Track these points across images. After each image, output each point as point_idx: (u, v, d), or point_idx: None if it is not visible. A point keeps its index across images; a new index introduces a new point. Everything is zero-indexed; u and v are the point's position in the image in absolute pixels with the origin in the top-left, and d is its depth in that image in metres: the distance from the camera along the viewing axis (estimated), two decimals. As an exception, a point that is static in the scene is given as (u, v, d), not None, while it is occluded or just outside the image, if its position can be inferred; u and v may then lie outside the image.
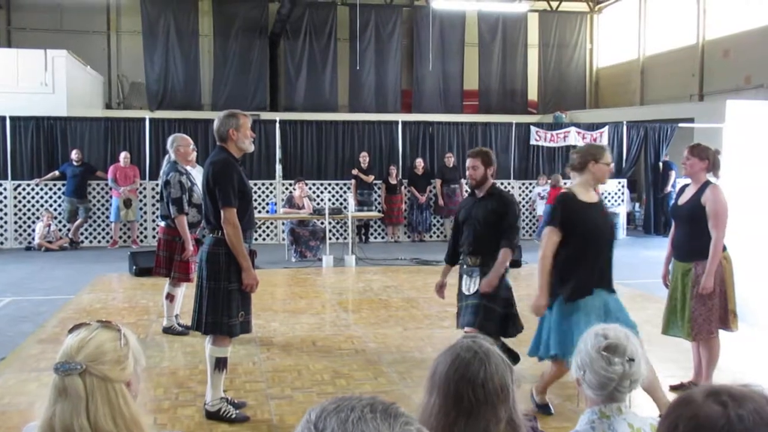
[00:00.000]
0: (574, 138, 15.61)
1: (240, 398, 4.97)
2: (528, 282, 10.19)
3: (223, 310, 4.55)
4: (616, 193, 15.82)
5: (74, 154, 13.15)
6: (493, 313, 5.06)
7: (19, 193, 13.35)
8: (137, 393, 1.84)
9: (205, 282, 4.59)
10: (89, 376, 1.71)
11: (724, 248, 5.05)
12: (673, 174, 15.30)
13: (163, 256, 6.79)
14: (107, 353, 1.75)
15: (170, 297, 6.87)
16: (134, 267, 10.03)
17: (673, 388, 5.24)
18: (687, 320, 5.09)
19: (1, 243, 13.26)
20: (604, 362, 2.19)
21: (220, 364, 4.65)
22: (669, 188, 15.34)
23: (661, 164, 15.55)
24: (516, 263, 11.19)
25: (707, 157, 5.06)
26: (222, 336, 4.63)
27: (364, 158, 14.39)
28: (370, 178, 14.39)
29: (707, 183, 5.05)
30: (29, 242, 13.16)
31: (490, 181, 5.31)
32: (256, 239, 9.33)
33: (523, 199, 15.50)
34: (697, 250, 5.01)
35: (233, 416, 4.59)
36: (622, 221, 15.48)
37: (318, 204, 12.35)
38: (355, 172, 14.29)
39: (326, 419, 1.11)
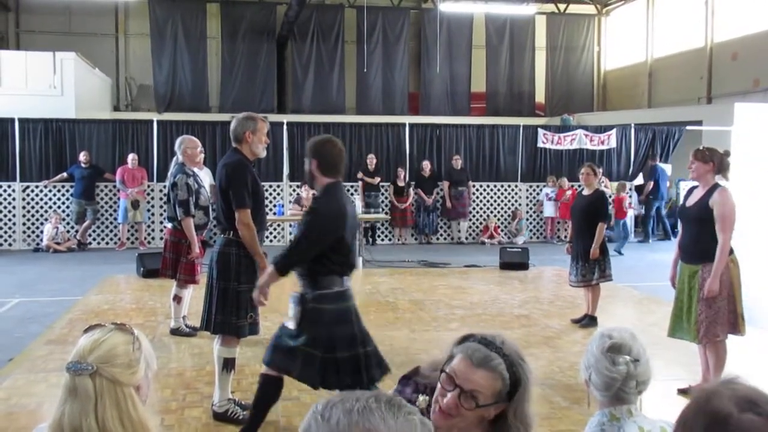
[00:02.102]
0: (582, 141, 15.59)
1: (247, 400, 4.97)
2: (535, 284, 10.18)
3: (232, 310, 4.57)
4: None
5: (82, 156, 13.19)
6: (313, 359, 3.90)
7: (28, 195, 13.40)
8: (147, 397, 1.84)
9: (214, 282, 4.61)
10: (99, 378, 1.71)
11: (732, 252, 5.02)
12: (651, 184, 15.19)
13: (169, 257, 6.80)
14: (119, 356, 1.76)
15: (177, 299, 6.88)
16: (142, 268, 10.05)
17: (681, 392, 5.22)
18: (693, 323, 5.07)
19: (10, 244, 13.31)
20: (607, 362, 2.19)
21: (228, 365, 4.66)
22: (643, 198, 15.33)
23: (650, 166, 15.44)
24: (523, 266, 11.16)
25: (711, 160, 5.04)
26: (230, 336, 4.64)
27: (371, 160, 14.39)
28: (376, 181, 14.39)
29: (716, 186, 5.03)
30: (37, 244, 13.20)
31: (322, 180, 3.98)
32: (263, 241, 9.33)
33: (531, 201, 15.48)
34: (704, 252, 4.99)
35: (240, 417, 4.60)
36: (630, 224, 15.42)
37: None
38: (360, 175, 14.30)
39: (332, 409, 1.15)
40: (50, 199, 13.46)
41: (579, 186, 9.44)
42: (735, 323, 5.01)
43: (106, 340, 1.77)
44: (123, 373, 1.74)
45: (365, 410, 1.12)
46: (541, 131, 15.71)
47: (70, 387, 1.72)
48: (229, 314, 4.56)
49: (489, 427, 1.82)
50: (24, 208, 13.37)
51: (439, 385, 1.86)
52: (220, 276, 4.58)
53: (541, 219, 15.46)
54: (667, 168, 15.61)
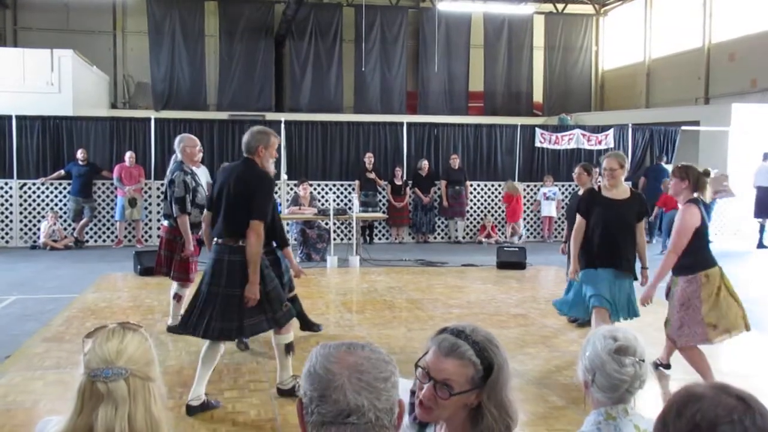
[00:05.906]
0: (579, 140, 15.60)
1: (244, 397, 4.99)
2: (532, 284, 10.19)
3: (267, 309, 4.75)
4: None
5: (80, 154, 13.17)
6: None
7: (25, 192, 13.38)
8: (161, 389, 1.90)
9: (238, 291, 4.63)
10: (133, 379, 1.75)
11: (712, 266, 5.05)
12: (641, 180, 14.91)
13: (164, 255, 6.80)
14: (144, 355, 1.81)
15: (178, 297, 6.84)
16: (139, 266, 10.04)
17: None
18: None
19: (7, 242, 13.29)
20: (616, 364, 2.18)
21: (289, 348, 4.98)
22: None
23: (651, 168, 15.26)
24: (520, 265, 11.17)
25: (687, 177, 5.08)
26: (286, 326, 4.93)
27: (369, 159, 14.39)
28: (381, 182, 14.40)
29: (690, 201, 5.07)
30: (34, 241, 13.19)
31: None
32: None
33: (528, 201, 15.49)
34: (682, 265, 5.06)
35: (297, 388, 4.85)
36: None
37: (322, 205, 12.35)
38: (372, 175, 14.23)
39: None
40: (47, 196, 13.44)
41: (575, 186, 9.44)
42: (704, 333, 5.02)
43: (129, 343, 1.80)
44: (152, 369, 1.80)
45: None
46: (538, 131, 15.72)
47: (101, 393, 1.72)
48: (265, 312, 4.73)
49: (472, 413, 1.83)
50: (21, 205, 13.34)
51: (417, 381, 1.91)
52: (244, 283, 4.64)
53: (538, 218, 15.47)
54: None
